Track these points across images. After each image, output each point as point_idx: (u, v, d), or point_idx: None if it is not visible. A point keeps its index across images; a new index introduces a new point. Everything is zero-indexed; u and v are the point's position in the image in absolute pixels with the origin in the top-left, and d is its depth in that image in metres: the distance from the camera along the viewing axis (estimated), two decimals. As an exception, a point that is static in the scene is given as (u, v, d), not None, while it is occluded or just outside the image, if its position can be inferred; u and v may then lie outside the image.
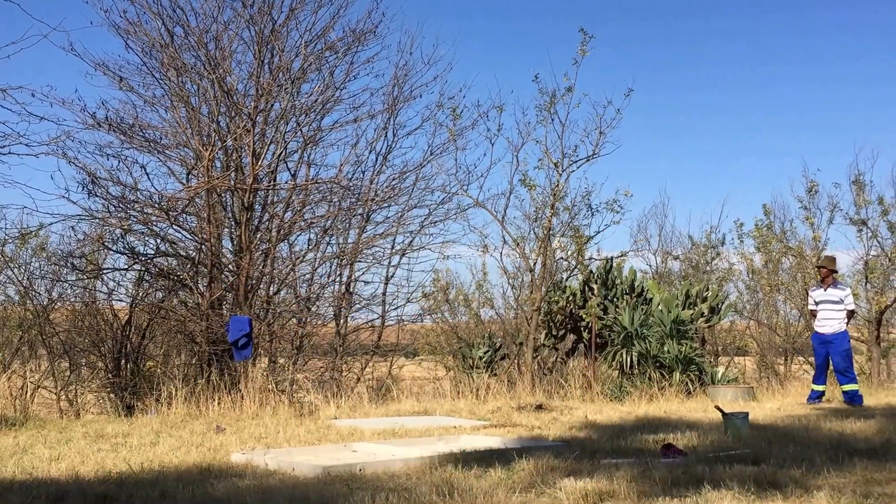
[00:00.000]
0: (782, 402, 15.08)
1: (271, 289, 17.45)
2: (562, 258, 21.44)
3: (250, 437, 10.25)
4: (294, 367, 16.53)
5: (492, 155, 23.15)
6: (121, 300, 17.17)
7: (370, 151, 18.83)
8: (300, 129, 17.72)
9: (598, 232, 20.55)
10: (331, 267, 18.31)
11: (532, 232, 20.85)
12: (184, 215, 16.88)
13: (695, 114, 57.41)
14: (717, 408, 10.81)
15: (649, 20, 55.51)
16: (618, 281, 18.58)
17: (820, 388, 14.75)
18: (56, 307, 17.44)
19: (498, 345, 20.73)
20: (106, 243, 16.66)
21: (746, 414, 10.53)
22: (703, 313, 18.53)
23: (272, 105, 17.41)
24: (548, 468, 7.19)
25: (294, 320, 17.40)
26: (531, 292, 19.39)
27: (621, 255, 22.22)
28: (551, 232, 19.98)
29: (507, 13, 55.96)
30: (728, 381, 17.24)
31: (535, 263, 19.63)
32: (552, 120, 19.62)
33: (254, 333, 14.59)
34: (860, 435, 9.50)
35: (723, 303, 19.93)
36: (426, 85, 19.00)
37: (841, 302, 14.62)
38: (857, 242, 23.83)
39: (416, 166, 19.16)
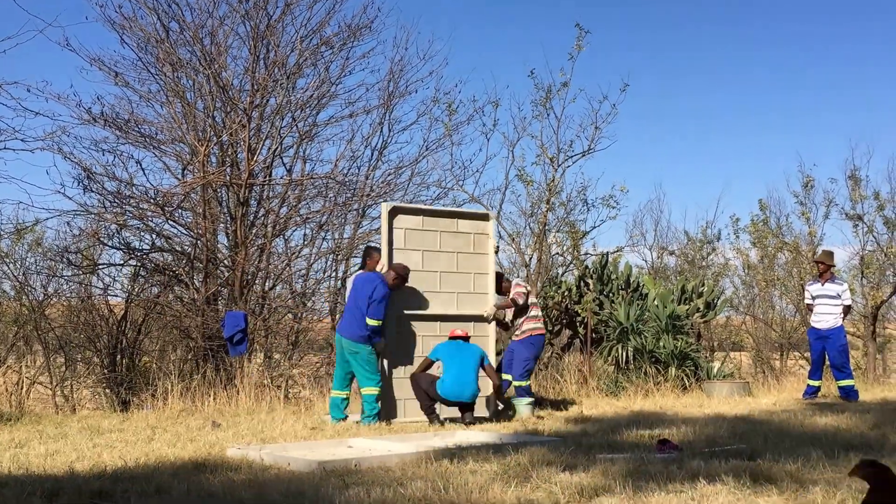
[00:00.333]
0: (778, 397, 15.10)
1: (267, 284, 17.46)
2: (557, 253, 21.46)
3: (246, 433, 10.25)
4: (289, 362, 16.55)
5: (487, 150, 23.27)
6: (116, 296, 17.19)
7: (366, 147, 18.84)
8: (296, 125, 17.73)
9: (594, 227, 20.60)
10: (326, 262, 18.33)
11: (528, 227, 20.90)
12: (179, 211, 16.90)
13: (691, 108, 57.38)
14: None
15: (646, 15, 55.49)
16: (613, 276, 18.58)
17: (816, 383, 14.74)
18: (52, 302, 17.41)
19: (494, 340, 20.70)
20: (101, 239, 16.66)
21: (532, 400, 12.38)
22: (699, 308, 18.53)
23: (268, 100, 17.44)
24: (543, 463, 7.19)
25: (290, 316, 17.41)
26: (527, 288, 19.38)
27: (617, 251, 22.26)
28: (547, 227, 20.01)
29: (504, 8, 55.93)
30: (724, 377, 17.26)
31: (530, 259, 19.65)
32: (548, 115, 19.65)
33: (249, 329, 14.58)
34: (855, 430, 9.51)
35: (718, 298, 19.94)
36: (422, 80, 19.02)
37: (838, 297, 14.60)
38: (853, 237, 23.89)
39: (412, 161, 19.19)
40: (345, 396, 11.65)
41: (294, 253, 17.78)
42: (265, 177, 17.36)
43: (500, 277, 13.27)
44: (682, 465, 7.09)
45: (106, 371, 15.93)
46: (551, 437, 9.38)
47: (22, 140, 14.56)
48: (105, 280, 17.18)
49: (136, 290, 17.07)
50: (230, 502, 6.07)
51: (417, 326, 12.21)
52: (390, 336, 11.93)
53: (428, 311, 12.29)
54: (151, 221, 16.71)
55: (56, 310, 17.58)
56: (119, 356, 16.18)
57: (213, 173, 16.30)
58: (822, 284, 14.72)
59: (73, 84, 22.28)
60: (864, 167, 26.10)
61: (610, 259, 19.73)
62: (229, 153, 17.15)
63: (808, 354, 23.72)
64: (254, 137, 16.91)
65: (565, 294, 18.35)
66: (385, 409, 11.65)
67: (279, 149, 17.63)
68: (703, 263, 25.96)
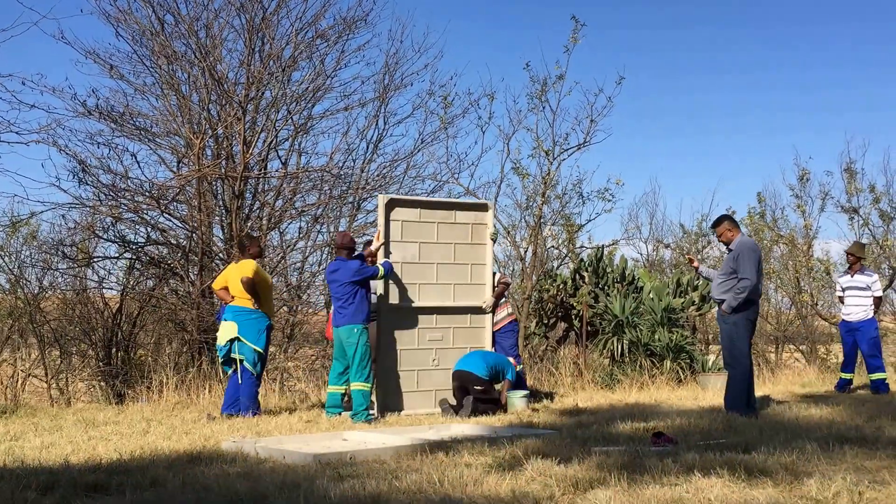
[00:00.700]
0: (773, 389, 15.10)
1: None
2: (553, 246, 21.43)
3: (241, 426, 10.25)
4: (285, 355, 16.55)
5: (483, 143, 23.13)
6: (111, 289, 17.19)
7: (361, 140, 18.80)
8: (291, 118, 17.71)
9: (590, 220, 20.51)
10: (322, 255, 18.30)
11: (523, 220, 20.82)
12: (174, 203, 16.88)
13: (686, 102, 57.38)
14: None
15: (642, 8, 55.48)
16: (609, 269, 18.57)
17: (848, 376, 14.70)
18: (47, 296, 17.41)
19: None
20: (97, 231, 16.65)
21: (527, 393, 12.28)
22: (694, 302, 18.54)
23: (263, 93, 17.40)
24: (538, 455, 7.20)
25: (285, 308, 17.39)
26: (522, 280, 19.35)
27: (612, 244, 22.23)
28: (542, 220, 19.95)
29: (499, 0, 55.88)
30: (719, 370, 17.25)
31: (525, 252, 19.60)
32: (543, 108, 19.55)
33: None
34: (851, 423, 9.53)
35: (714, 291, 19.91)
36: (417, 73, 18.98)
37: (868, 288, 14.52)
38: (849, 230, 23.87)
39: (407, 154, 19.16)
40: (343, 392, 11.66)
41: (289, 246, 17.80)
42: (260, 170, 17.35)
43: None
44: (677, 457, 7.10)
45: (101, 364, 15.94)
46: (546, 430, 9.39)
47: (17, 133, 14.53)
48: (100, 273, 17.21)
49: (132, 283, 17.07)
50: (225, 495, 6.07)
51: (415, 318, 12.22)
52: (387, 328, 11.95)
53: (425, 303, 12.30)
54: (147, 214, 16.71)
55: (51, 303, 17.58)
56: (114, 349, 16.19)
57: (208, 166, 16.28)
58: (852, 276, 14.65)
59: (68, 77, 22.35)
60: (859, 160, 26.04)
61: (605, 252, 19.71)
62: (224, 146, 17.13)
63: (803, 347, 23.85)
64: (249, 130, 16.89)
65: (561, 287, 18.35)
66: (391, 401, 11.71)
67: (274, 142, 17.61)
68: (699, 256, 25.94)
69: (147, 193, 16.46)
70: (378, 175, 18.70)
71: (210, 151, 17.10)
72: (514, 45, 53.91)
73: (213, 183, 16.98)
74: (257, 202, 17.49)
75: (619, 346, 16.66)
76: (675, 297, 17.84)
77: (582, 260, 19.51)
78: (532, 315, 18.89)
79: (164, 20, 16.89)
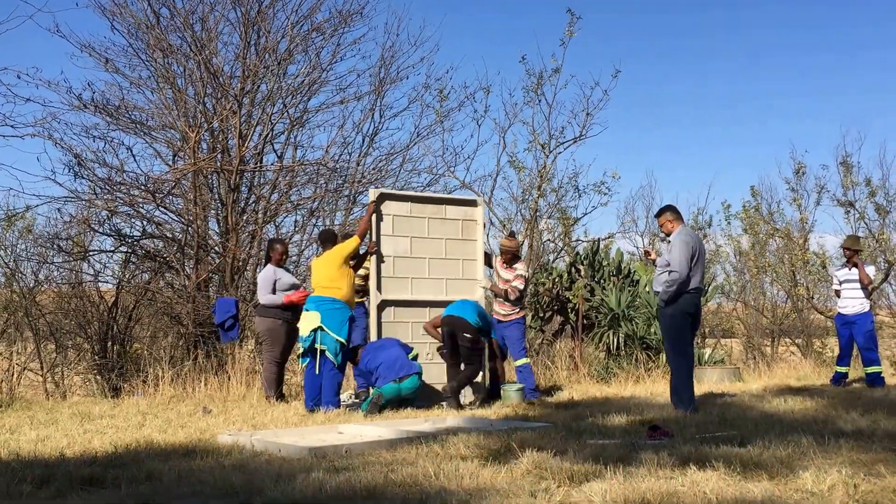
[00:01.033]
0: (768, 383, 15.12)
1: (258, 270, 17.43)
2: (549, 240, 21.47)
3: (237, 419, 10.25)
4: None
5: (478, 136, 23.33)
6: (107, 282, 17.17)
7: (357, 133, 18.82)
8: (286, 111, 17.71)
9: (586, 214, 20.66)
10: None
11: (519, 213, 20.87)
12: (170, 197, 16.86)
13: (682, 95, 57.43)
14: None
15: (638, 1, 55.55)
16: (605, 262, 18.59)
17: (843, 369, 14.72)
18: (42, 289, 17.39)
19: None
20: (92, 225, 16.62)
21: (522, 387, 12.40)
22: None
23: (258, 86, 17.39)
24: (534, 448, 7.19)
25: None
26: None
27: (608, 237, 22.25)
28: (538, 214, 19.99)
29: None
30: (714, 363, 17.29)
31: (521, 245, 19.61)
32: (539, 101, 19.63)
33: (240, 315, 14.56)
34: (846, 416, 9.53)
35: (709, 285, 19.97)
36: (413, 66, 18.99)
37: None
38: (845, 224, 23.91)
39: (403, 148, 19.18)
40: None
41: (285, 239, 17.75)
42: (256, 163, 17.34)
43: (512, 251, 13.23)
44: (673, 451, 7.10)
45: (97, 357, 15.92)
46: (542, 423, 9.39)
47: (12, 126, 14.56)
48: (96, 266, 17.17)
49: (127, 276, 17.04)
50: (221, 488, 6.07)
51: (405, 313, 12.25)
52: (381, 322, 11.99)
53: (416, 298, 12.32)
54: (142, 208, 16.68)
55: (47, 296, 17.56)
56: (110, 342, 16.17)
57: (203, 160, 16.26)
58: (849, 269, 14.68)
59: (63, 70, 22.34)
60: (855, 153, 26.24)
61: (601, 245, 19.74)
62: (220, 139, 17.11)
63: (799, 341, 23.88)
64: (244, 124, 16.88)
65: (556, 280, 18.36)
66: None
67: (270, 135, 17.60)
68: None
69: (143, 187, 16.44)
70: (374, 168, 18.73)
71: (206, 145, 17.07)
72: (510, 38, 53.92)
73: (209, 176, 16.96)
74: (253, 196, 17.47)
75: (615, 340, 16.68)
76: (671, 291, 17.83)
77: (578, 253, 19.53)
78: (528, 309, 18.91)
79: (159, 13, 16.86)
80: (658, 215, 11.23)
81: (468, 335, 11.65)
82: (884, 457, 6.86)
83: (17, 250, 18.04)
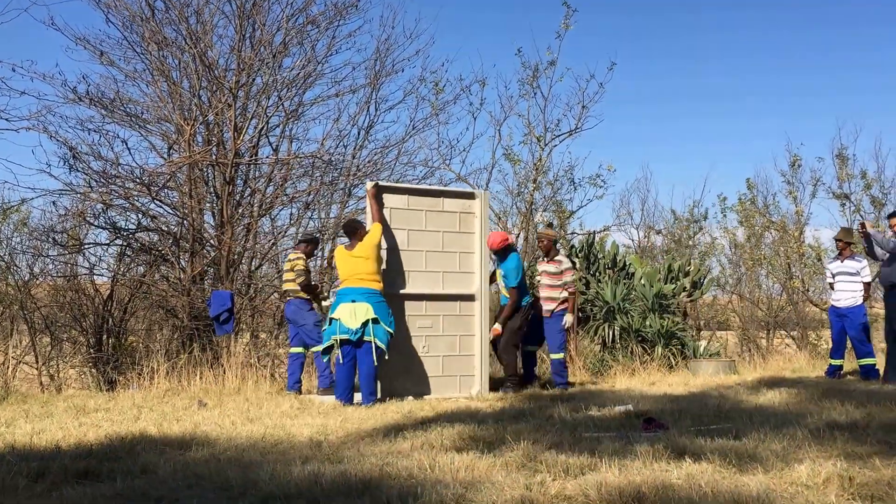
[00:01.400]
0: (763, 375, 15.13)
1: (253, 263, 17.44)
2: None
3: (232, 412, 10.24)
4: (276, 341, 16.54)
5: (474, 129, 23.12)
6: (102, 275, 17.14)
7: (352, 126, 18.81)
8: (282, 104, 17.68)
9: (581, 207, 20.63)
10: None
11: (514, 206, 20.88)
12: (165, 190, 16.83)
13: (678, 88, 57.42)
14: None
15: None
16: (600, 255, 18.60)
17: (837, 362, 14.72)
18: (37, 282, 17.36)
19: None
20: (87, 218, 16.59)
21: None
22: (686, 288, 18.56)
23: (254, 79, 17.37)
24: (529, 441, 7.20)
25: (276, 295, 17.37)
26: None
27: (604, 230, 22.30)
28: (534, 206, 19.99)
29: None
30: (710, 355, 17.30)
31: (517, 238, 19.61)
32: (535, 94, 19.61)
33: (235, 308, 14.57)
34: (841, 409, 9.54)
35: (705, 277, 19.98)
36: (408, 59, 19.07)
37: (857, 274, 14.53)
38: (840, 216, 23.93)
39: (399, 141, 19.17)
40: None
41: (280, 232, 17.77)
42: (251, 156, 17.32)
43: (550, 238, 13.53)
44: (668, 443, 7.10)
45: (92, 350, 15.91)
46: (537, 416, 9.39)
47: (7, 119, 14.51)
48: (91, 260, 17.14)
49: (122, 269, 17.02)
50: (216, 481, 6.07)
51: (403, 305, 12.23)
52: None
53: (413, 290, 12.31)
54: (137, 201, 16.65)
55: (42, 289, 17.53)
56: (105, 336, 16.16)
57: (198, 153, 16.24)
58: (842, 262, 14.69)
59: (58, 63, 22.23)
60: (851, 146, 26.25)
61: (597, 238, 19.75)
62: (215, 132, 17.09)
63: (794, 333, 23.91)
64: (240, 117, 16.86)
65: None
66: (382, 387, 11.74)
67: (265, 128, 17.58)
68: (690, 242, 26.00)
69: (138, 180, 16.41)
70: (369, 161, 18.70)
71: (201, 138, 17.06)
72: (505, 31, 53.86)
73: (204, 169, 16.93)
74: (248, 188, 17.46)
75: (611, 333, 16.69)
76: (666, 284, 17.87)
77: (573, 246, 19.53)
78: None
79: (154, 6, 16.83)
80: (890, 216, 13.93)
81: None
82: (879, 449, 6.87)
83: (13, 243, 18.04)
